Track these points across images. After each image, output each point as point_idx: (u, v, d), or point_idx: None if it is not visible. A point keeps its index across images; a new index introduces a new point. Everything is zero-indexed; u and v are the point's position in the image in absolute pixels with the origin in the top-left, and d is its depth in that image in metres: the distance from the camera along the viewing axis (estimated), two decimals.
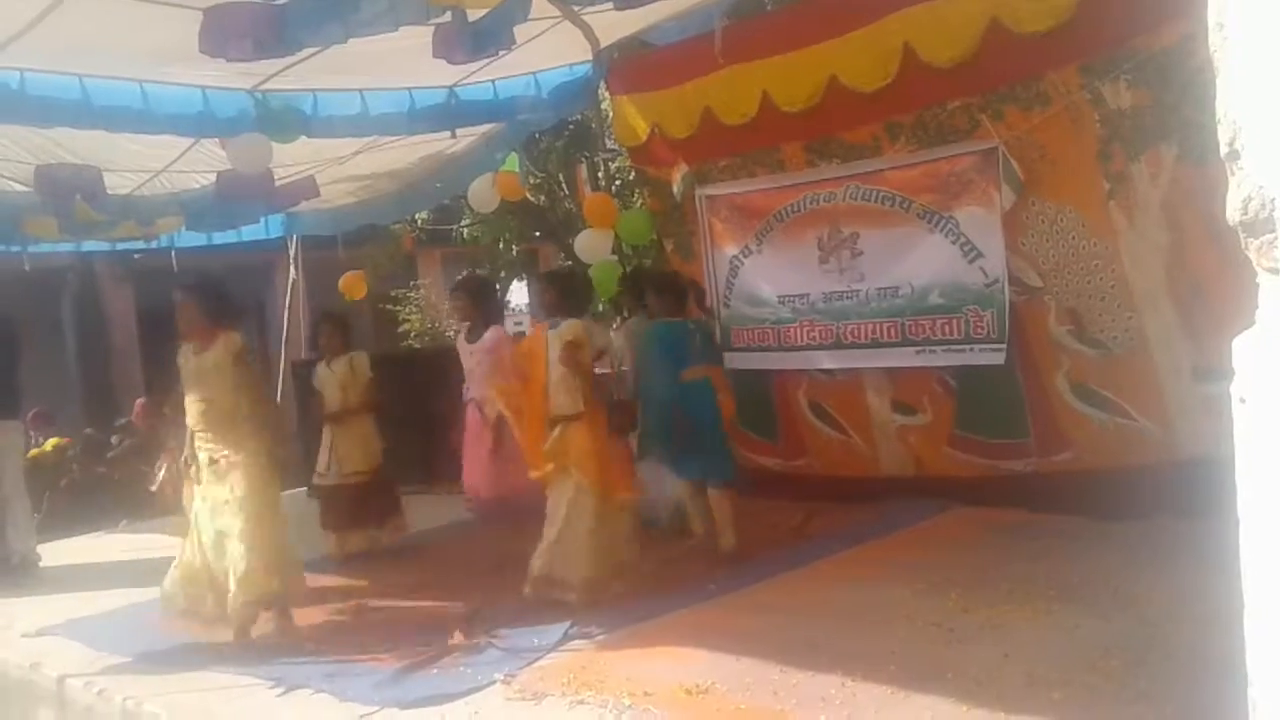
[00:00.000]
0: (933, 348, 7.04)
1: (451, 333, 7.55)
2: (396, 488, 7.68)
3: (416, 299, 17.32)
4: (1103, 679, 3.94)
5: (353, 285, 11.53)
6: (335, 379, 7.47)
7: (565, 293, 6.26)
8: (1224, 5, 1.50)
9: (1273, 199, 1.41)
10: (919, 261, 7.07)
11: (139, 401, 13.08)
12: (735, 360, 7.70)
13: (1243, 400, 1.47)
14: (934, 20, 6.40)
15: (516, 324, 23.92)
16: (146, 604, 6.63)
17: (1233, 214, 1.50)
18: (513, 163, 10.07)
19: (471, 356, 6.90)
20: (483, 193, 9.54)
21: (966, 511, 6.81)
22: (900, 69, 6.56)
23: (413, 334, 16.68)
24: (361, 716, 4.43)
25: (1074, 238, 6.39)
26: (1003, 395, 6.84)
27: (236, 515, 5.55)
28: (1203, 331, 5.83)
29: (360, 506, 7.37)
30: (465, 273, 7.69)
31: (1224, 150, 1.51)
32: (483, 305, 7.14)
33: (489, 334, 6.88)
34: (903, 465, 7.52)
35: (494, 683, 4.61)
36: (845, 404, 7.66)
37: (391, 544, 7.48)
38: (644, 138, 8.36)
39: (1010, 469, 6.92)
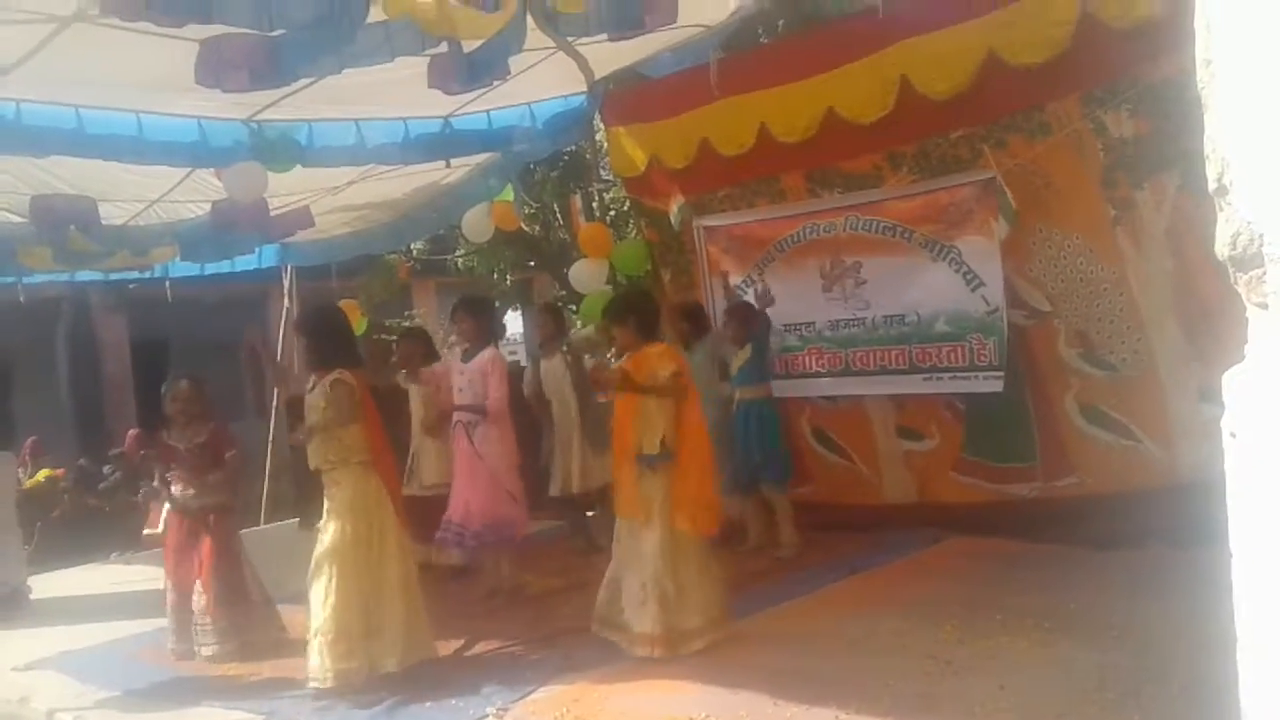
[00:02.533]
0: (939, 375, 7.10)
1: (447, 348, 7.43)
2: None
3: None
4: (1098, 710, 3.92)
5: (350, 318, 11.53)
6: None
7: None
8: (1211, 42, 1.51)
9: (1261, 234, 1.42)
10: (924, 290, 7.13)
11: (131, 433, 13.04)
12: None
13: (1233, 435, 1.47)
14: (930, 53, 6.46)
15: (511, 354, 24.05)
16: (137, 637, 6.60)
17: (1222, 249, 1.50)
18: (508, 193, 10.09)
19: (462, 376, 6.76)
20: (477, 223, 9.56)
21: (962, 542, 6.81)
22: (898, 101, 6.61)
23: None
24: None
25: (1082, 263, 6.48)
26: (1012, 419, 6.91)
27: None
28: (1210, 353, 5.89)
29: None
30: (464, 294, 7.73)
31: (1212, 185, 1.52)
32: (484, 325, 7.02)
33: (483, 354, 6.74)
34: (906, 492, 7.56)
35: (486, 716, 4.58)
36: (850, 431, 7.68)
37: None
38: (642, 168, 8.41)
39: (1015, 494, 6.97)
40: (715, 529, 5.41)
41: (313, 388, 5.46)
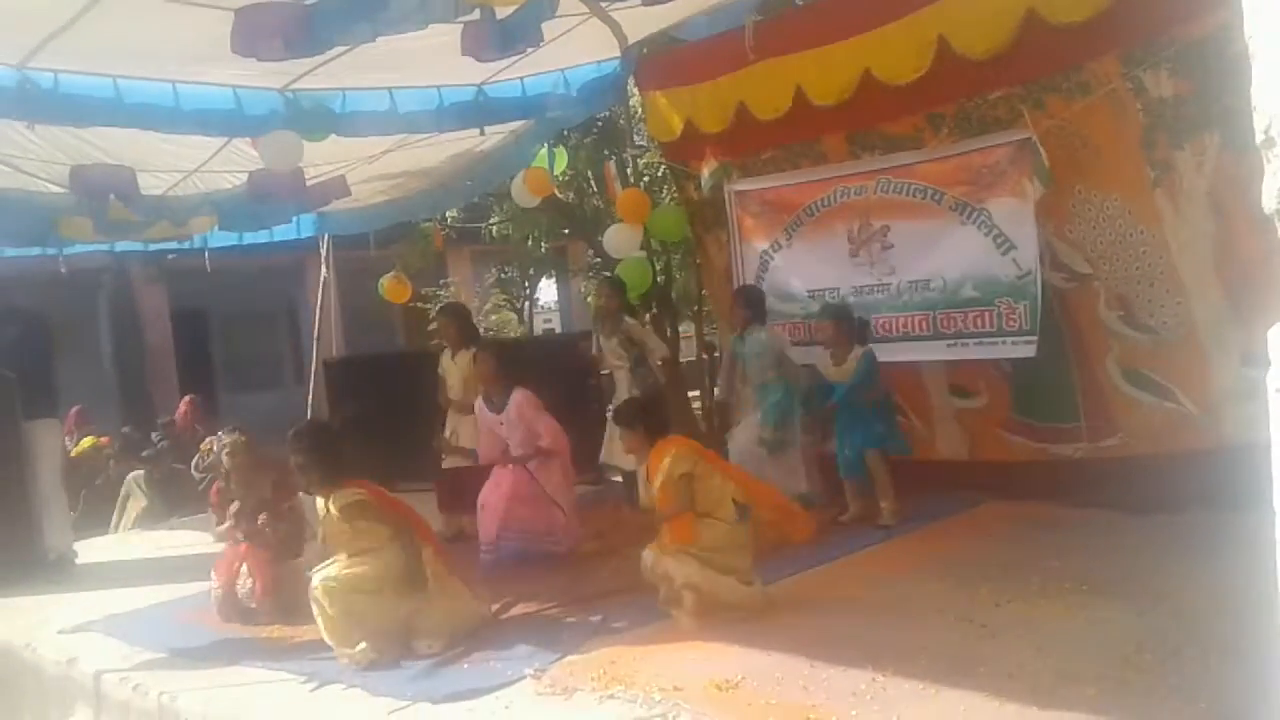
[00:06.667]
0: (965, 340, 7.03)
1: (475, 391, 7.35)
2: None
3: (447, 297, 17.38)
4: (1136, 674, 3.91)
5: (396, 290, 11.65)
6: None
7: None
8: None
9: None
10: (951, 254, 7.06)
11: (186, 398, 13.09)
12: None
13: (1279, 391, 1.45)
14: (969, 12, 6.37)
15: (546, 321, 24.05)
16: (181, 600, 6.71)
17: (1269, 202, 1.48)
18: (561, 158, 10.09)
19: (502, 425, 6.78)
20: (524, 188, 9.57)
21: (999, 505, 6.80)
22: (936, 61, 6.52)
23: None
24: (393, 711, 4.43)
25: (1121, 225, 6.40)
26: (1056, 379, 6.90)
27: None
28: (1252, 317, 5.80)
29: None
30: (483, 347, 7.64)
31: (1259, 138, 1.49)
32: (503, 369, 6.91)
33: (512, 401, 6.71)
34: (958, 449, 7.58)
35: (524, 677, 4.62)
36: (903, 388, 7.61)
37: None
38: (678, 132, 8.37)
39: (1060, 454, 6.97)
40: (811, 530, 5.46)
41: (326, 510, 5.32)
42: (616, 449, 7.70)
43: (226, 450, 6.38)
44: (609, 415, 7.83)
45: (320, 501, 5.35)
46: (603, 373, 8.81)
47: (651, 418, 5.53)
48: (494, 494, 6.73)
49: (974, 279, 6.93)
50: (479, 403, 7.00)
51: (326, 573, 5.22)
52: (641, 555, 5.29)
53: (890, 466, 6.85)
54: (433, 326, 16.69)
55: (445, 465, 7.53)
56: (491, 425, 6.88)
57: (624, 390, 7.76)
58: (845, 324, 7.00)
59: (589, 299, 16.60)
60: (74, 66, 6.25)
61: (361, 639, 5.10)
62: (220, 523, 6.37)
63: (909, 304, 7.30)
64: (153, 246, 11.04)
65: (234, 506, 6.27)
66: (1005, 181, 6.67)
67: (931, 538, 6.34)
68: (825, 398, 7.10)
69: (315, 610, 5.20)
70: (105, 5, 5.29)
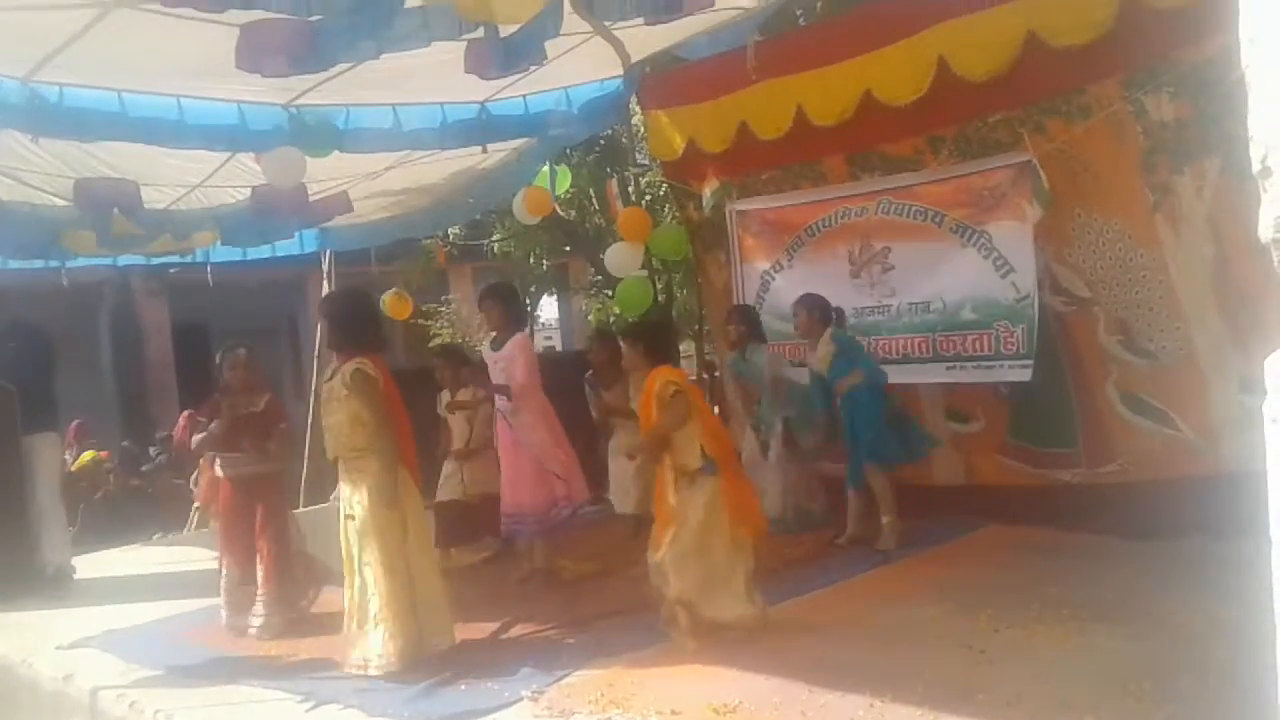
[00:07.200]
0: (963, 364, 7.03)
1: (480, 342, 7.40)
2: None
3: (448, 313, 17.41)
4: (1134, 701, 3.89)
5: (397, 306, 11.66)
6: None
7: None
8: (1257, 20, 1.49)
9: None
10: (951, 276, 7.07)
11: (184, 413, 13.10)
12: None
13: (1275, 421, 1.45)
14: (969, 35, 6.40)
15: (547, 339, 24.10)
16: (179, 617, 6.69)
17: (1265, 231, 1.48)
18: (565, 178, 10.09)
19: (495, 365, 6.74)
20: (524, 208, 9.57)
21: (998, 530, 6.78)
22: (936, 83, 6.55)
23: None
24: None
25: (1121, 249, 6.40)
26: (1054, 404, 6.87)
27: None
28: (1250, 343, 5.80)
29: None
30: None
31: (1256, 167, 1.49)
32: (511, 312, 6.95)
33: (510, 341, 6.70)
34: (954, 474, 7.54)
35: (521, 699, 4.60)
36: None
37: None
38: (680, 152, 8.39)
39: (1058, 479, 6.94)
40: (765, 530, 5.44)
41: (331, 376, 5.43)
42: (620, 493, 7.68)
43: (229, 361, 6.43)
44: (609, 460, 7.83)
45: (333, 363, 5.44)
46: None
47: (657, 340, 5.61)
48: (505, 473, 6.79)
49: (973, 301, 6.94)
50: (485, 345, 7.01)
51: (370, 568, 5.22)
52: (648, 556, 5.27)
53: (893, 484, 6.79)
54: (434, 342, 16.82)
55: (440, 499, 7.49)
56: (490, 364, 6.86)
57: (632, 434, 7.70)
58: (815, 310, 7.02)
59: (589, 317, 16.64)
60: (79, 80, 6.27)
61: (388, 629, 5.09)
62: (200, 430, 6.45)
63: (909, 326, 7.31)
64: (155, 260, 11.04)
65: (214, 425, 6.28)
66: (1006, 204, 6.68)
67: (929, 562, 6.32)
68: (825, 400, 7.08)
69: (374, 603, 5.17)
70: (111, 20, 5.31)
